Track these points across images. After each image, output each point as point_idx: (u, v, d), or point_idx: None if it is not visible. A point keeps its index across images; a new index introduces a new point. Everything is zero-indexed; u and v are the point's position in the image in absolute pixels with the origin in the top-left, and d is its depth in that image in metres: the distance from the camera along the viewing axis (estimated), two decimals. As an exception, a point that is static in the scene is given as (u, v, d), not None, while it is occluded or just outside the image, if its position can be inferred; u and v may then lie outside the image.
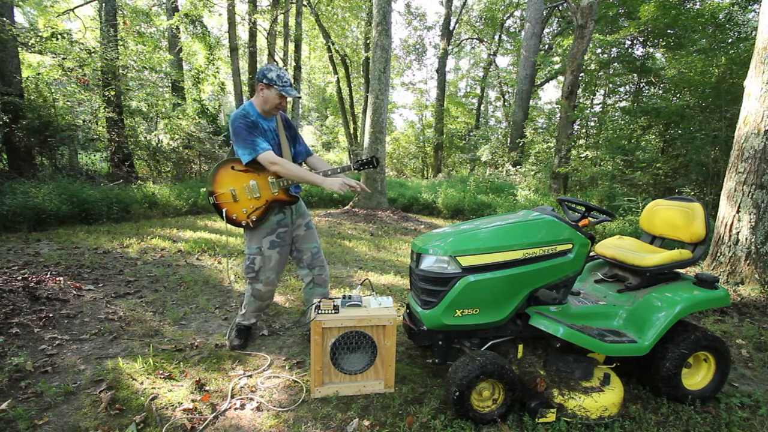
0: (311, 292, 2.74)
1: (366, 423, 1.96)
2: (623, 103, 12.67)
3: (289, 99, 2.41)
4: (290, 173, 2.33)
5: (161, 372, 2.30)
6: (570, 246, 2.10)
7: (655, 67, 10.96)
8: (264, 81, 2.34)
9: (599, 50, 11.84)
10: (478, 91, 22.90)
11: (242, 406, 2.06)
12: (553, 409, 1.95)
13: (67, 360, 2.42)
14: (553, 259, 2.07)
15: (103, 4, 9.31)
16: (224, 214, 2.42)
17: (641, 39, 10.99)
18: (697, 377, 2.29)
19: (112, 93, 8.92)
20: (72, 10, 9.87)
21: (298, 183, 2.50)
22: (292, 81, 2.39)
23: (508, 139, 14.48)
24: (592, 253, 2.60)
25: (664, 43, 10.63)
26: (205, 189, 8.05)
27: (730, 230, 4.14)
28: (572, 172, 10.00)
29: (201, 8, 11.17)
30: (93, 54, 8.57)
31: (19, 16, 13.11)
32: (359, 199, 8.67)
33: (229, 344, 2.67)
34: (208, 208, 7.96)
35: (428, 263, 2.08)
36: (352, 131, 19.55)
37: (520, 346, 2.21)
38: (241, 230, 6.23)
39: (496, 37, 20.90)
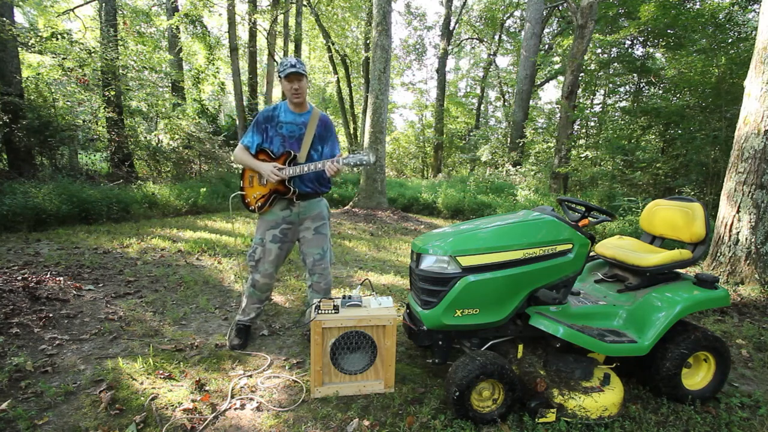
0: (311, 296, 2.78)
1: (366, 423, 1.96)
2: (623, 103, 12.68)
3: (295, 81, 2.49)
4: (240, 160, 2.59)
5: (161, 372, 2.30)
6: (570, 246, 2.10)
7: (655, 67, 10.97)
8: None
9: (599, 50, 11.84)
10: (478, 91, 22.91)
11: (242, 406, 2.06)
12: (553, 409, 1.95)
13: (67, 360, 2.42)
14: (553, 259, 2.07)
15: (103, 4, 9.31)
16: (242, 198, 2.66)
17: (641, 39, 11.00)
18: (697, 377, 2.29)
19: (112, 93, 8.92)
20: (72, 10, 9.86)
21: (323, 180, 2.67)
22: (294, 61, 2.44)
23: (508, 139, 14.48)
24: (592, 253, 2.60)
25: (664, 43, 10.63)
26: (204, 189, 8.09)
27: (730, 230, 4.14)
28: (572, 172, 10.00)
29: (201, 8, 11.17)
30: (93, 54, 8.56)
31: (19, 16, 13.12)
32: (359, 199, 8.67)
33: (228, 344, 2.67)
34: (208, 208, 7.96)
35: (428, 263, 2.08)
36: (352, 131, 19.57)
37: (520, 346, 2.21)
38: (241, 230, 6.25)
39: (496, 37, 20.92)
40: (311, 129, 2.58)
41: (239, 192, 2.67)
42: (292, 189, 2.52)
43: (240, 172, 2.71)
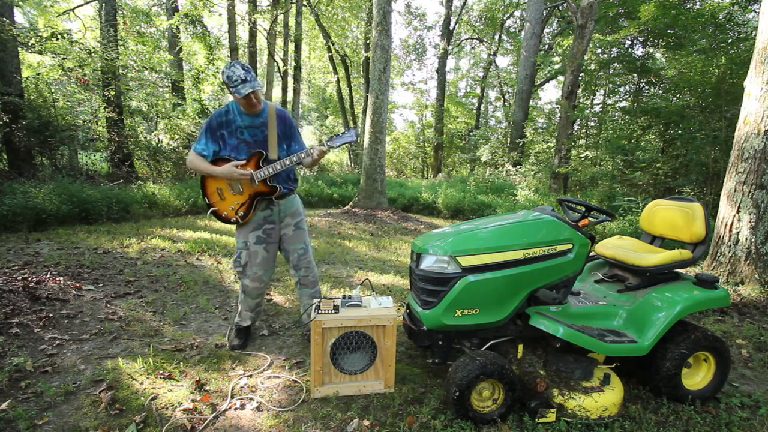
0: (301, 292, 2.78)
1: (366, 423, 1.96)
2: (623, 103, 12.68)
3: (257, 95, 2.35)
4: (197, 169, 2.41)
5: (161, 372, 2.30)
6: (570, 246, 2.10)
7: (655, 67, 10.97)
8: (225, 86, 2.32)
9: (599, 50, 11.84)
10: (478, 91, 22.91)
11: (242, 406, 2.06)
12: (553, 409, 1.95)
13: (67, 360, 2.42)
14: (553, 259, 2.07)
15: (103, 4, 9.31)
16: (216, 213, 2.50)
17: (641, 39, 10.99)
18: (697, 377, 2.29)
19: (112, 93, 8.92)
20: (72, 10, 9.87)
21: (291, 177, 2.58)
22: (245, 74, 2.22)
23: (508, 139, 14.48)
24: (592, 253, 2.60)
25: (664, 43, 10.63)
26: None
27: (730, 230, 4.14)
28: (572, 172, 10.00)
29: (201, 8, 11.18)
30: (93, 54, 8.57)
31: (19, 16, 13.12)
32: (359, 199, 8.67)
33: (228, 344, 2.67)
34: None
35: (428, 263, 2.08)
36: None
37: (520, 346, 2.21)
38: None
39: (496, 37, 20.92)
40: (273, 128, 2.46)
41: (212, 209, 2.48)
42: (278, 187, 2.46)
43: (200, 188, 2.48)
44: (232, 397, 2.13)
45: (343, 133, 2.45)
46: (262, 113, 2.45)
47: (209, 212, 2.51)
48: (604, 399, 1.97)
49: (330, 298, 2.29)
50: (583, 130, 13.10)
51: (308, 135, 27.47)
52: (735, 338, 3.15)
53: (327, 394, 2.16)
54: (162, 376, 2.27)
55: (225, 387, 2.21)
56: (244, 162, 2.39)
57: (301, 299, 2.79)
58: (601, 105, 13.98)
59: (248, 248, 2.55)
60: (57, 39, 8.01)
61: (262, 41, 16.01)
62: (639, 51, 11.51)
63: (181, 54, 13.27)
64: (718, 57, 8.13)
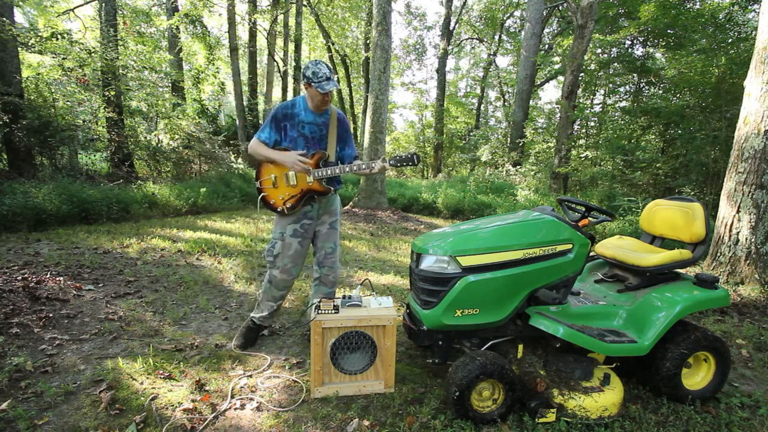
0: (316, 289, 2.79)
1: (366, 423, 1.96)
2: (623, 103, 12.68)
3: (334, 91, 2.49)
4: (258, 154, 2.52)
5: (161, 372, 2.30)
6: (570, 246, 2.10)
7: (655, 67, 10.97)
8: (304, 80, 2.44)
9: (599, 50, 11.85)
10: (478, 91, 22.93)
11: (242, 406, 2.06)
12: (553, 409, 1.95)
13: (67, 360, 2.42)
14: (553, 259, 2.07)
15: (103, 4, 9.30)
16: (264, 199, 2.55)
17: (641, 39, 11.00)
18: (697, 377, 2.29)
19: (112, 93, 8.92)
20: (72, 10, 9.87)
21: (337, 177, 2.62)
22: (329, 73, 2.42)
23: (508, 139, 14.49)
24: (592, 253, 2.60)
25: (664, 43, 10.64)
26: (204, 189, 8.09)
27: (730, 230, 4.14)
28: (572, 172, 10.00)
29: (201, 8, 11.19)
30: (93, 54, 8.56)
31: (19, 16, 13.12)
32: (359, 199, 8.67)
33: (233, 342, 2.68)
34: (208, 208, 7.96)
35: (428, 263, 2.08)
36: (352, 131, 19.55)
37: (520, 346, 2.21)
38: (241, 231, 6.25)
39: (496, 37, 20.93)
40: (333, 130, 2.57)
41: (262, 194, 2.55)
42: (331, 189, 2.55)
43: (255, 173, 2.61)
44: (232, 397, 2.13)
45: (405, 155, 2.49)
46: (325, 113, 2.56)
47: (259, 198, 2.56)
48: (604, 399, 1.97)
49: (330, 298, 2.29)
50: (583, 130, 13.11)
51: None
52: (735, 338, 3.15)
53: (327, 394, 2.16)
54: (162, 376, 2.27)
55: (225, 387, 2.21)
56: (305, 153, 2.48)
57: (314, 297, 2.79)
58: (601, 105, 13.98)
59: (284, 239, 2.58)
60: (57, 39, 8.00)
61: (262, 41, 16.03)
62: (639, 51, 11.52)
63: (181, 54, 13.28)
64: (718, 57, 8.13)
